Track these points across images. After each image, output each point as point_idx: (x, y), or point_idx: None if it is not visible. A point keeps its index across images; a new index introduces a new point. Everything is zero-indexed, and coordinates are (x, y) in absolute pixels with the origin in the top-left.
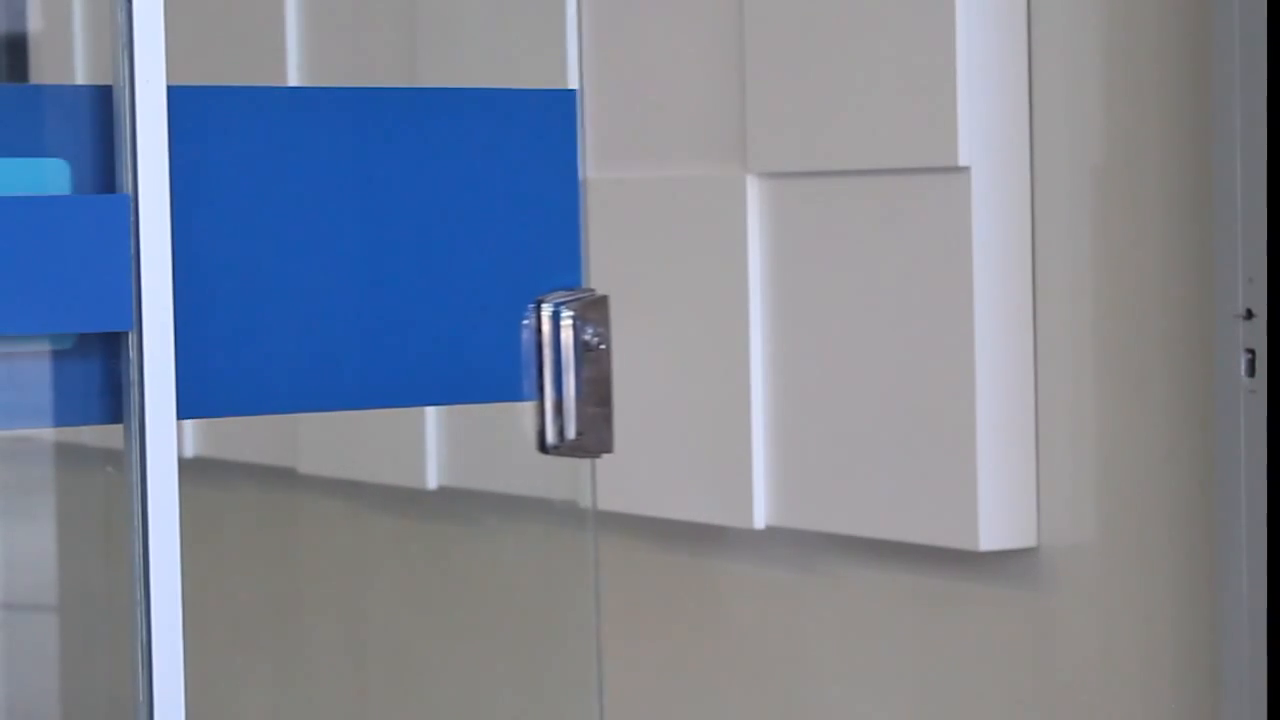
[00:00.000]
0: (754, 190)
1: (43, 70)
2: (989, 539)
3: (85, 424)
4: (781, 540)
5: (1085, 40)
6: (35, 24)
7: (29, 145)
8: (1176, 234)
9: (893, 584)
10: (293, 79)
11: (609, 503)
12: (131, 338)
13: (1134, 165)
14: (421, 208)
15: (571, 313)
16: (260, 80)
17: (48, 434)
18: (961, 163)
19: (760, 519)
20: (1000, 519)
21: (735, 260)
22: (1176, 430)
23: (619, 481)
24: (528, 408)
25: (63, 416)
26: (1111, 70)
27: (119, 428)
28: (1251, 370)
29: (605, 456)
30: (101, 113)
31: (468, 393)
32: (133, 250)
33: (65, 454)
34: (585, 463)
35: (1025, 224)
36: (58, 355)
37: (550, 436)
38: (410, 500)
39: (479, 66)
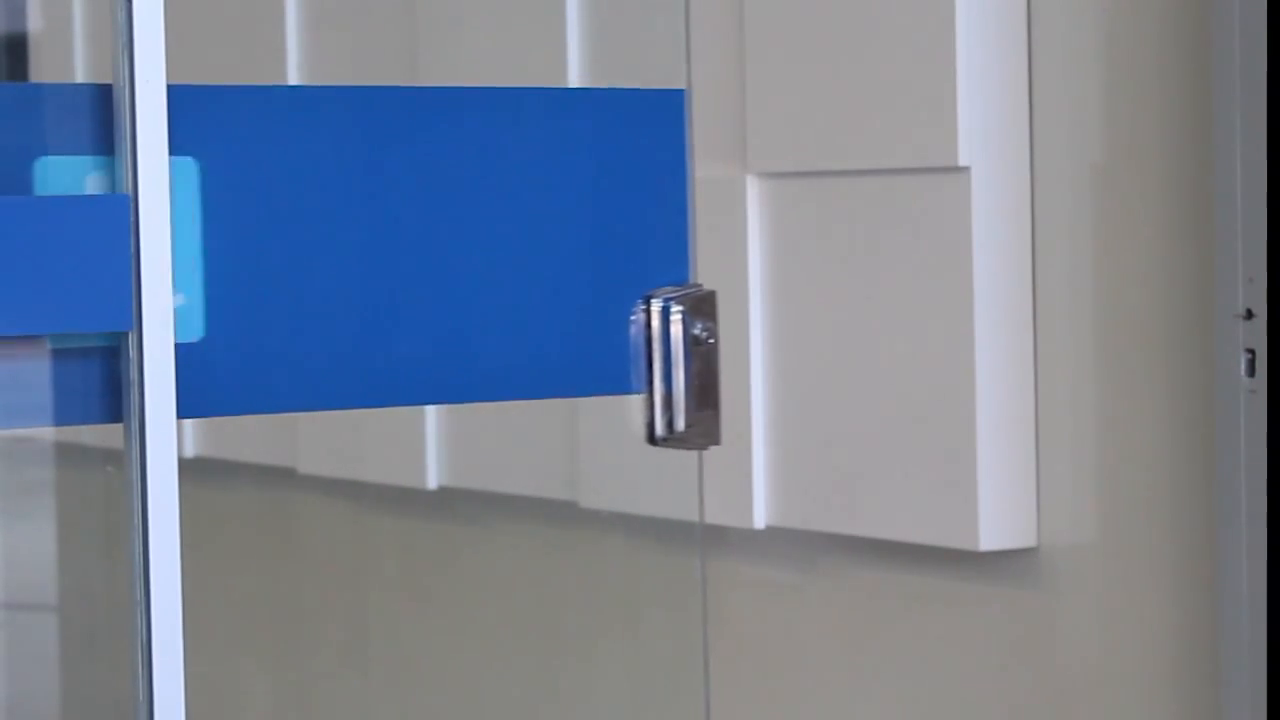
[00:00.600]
0: (754, 190)
1: (42, 70)
2: (989, 539)
3: (85, 423)
4: (781, 540)
5: (1085, 40)
6: (35, 24)
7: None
8: (1176, 234)
9: (893, 584)
10: (293, 78)
11: (609, 503)
12: (131, 338)
13: (1134, 165)
14: (532, 205)
15: (681, 308)
16: (260, 80)
17: (48, 434)
18: (961, 163)
19: (760, 519)
20: (1000, 519)
21: (735, 260)
22: (1176, 430)
23: (618, 481)
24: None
25: (63, 416)
26: (1111, 70)
27: (119, 428)
28: (1251, 370)
29: (605, 457)
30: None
31: (578, 386)
32: (133, 250)
33: (65, 454)
34: (583, 463)
35: (1025, 224)
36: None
37: (659, 429)
38: (410, 500)
39: (479, 66)
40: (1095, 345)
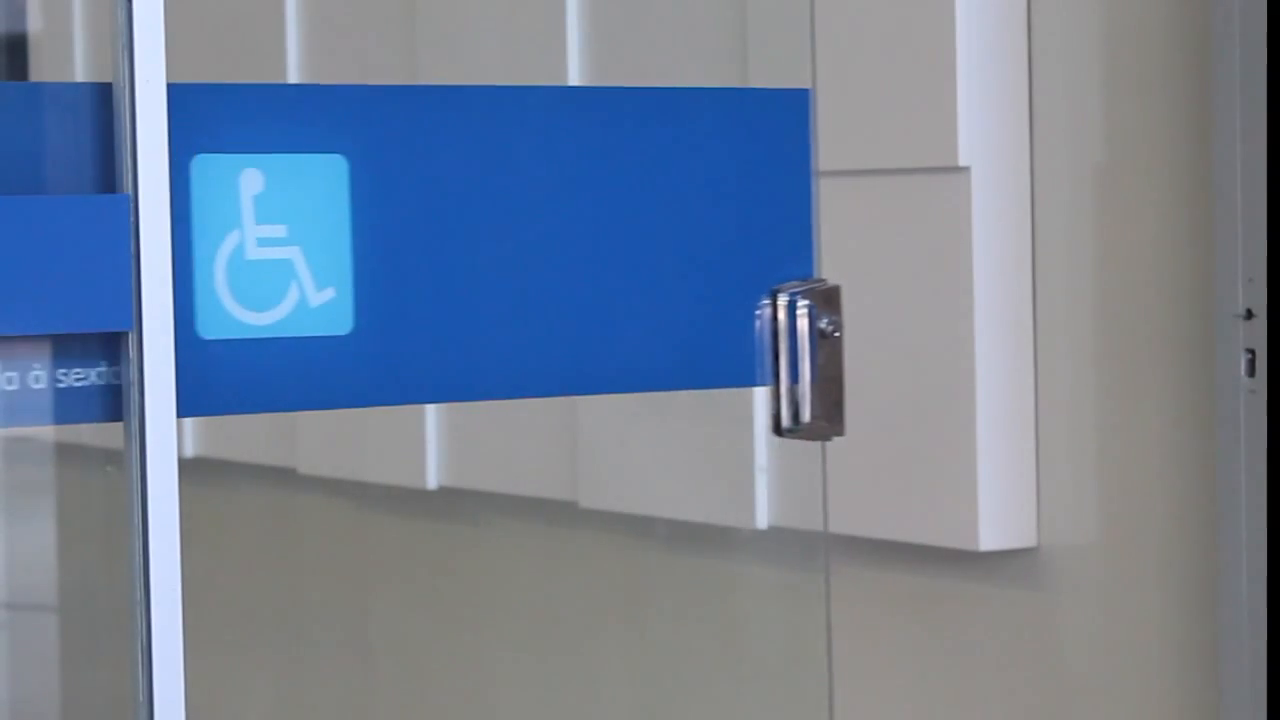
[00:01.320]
0: None
1: (42, 70)
2: (989, 539)
3: (85, 422)
4: (783, 540)
5: (1085, 40)
6: (35, 24)
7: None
8: (1176, 234)
9: (893, 584)
10: (293, 78)
11: (610, 503)
12: (131, 338)
13: (1134, 165)
14: (663, 202)
15: (807, 302)
16: (259, 78)
17: (48, 434)
18: (961, 163)
19: (762, 519)
20: (1000, 519)
21: None
22: (1176, 430)
23: (619, 481)
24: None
25: (63, 415)
26: (1111, 70)
27: (119, 428)
28: (1251, 370)
29: (606, 457)
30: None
31: (706, 378)
32: (133, 250)
33: (65, 454)
34: (583, 463)
35: (1025, 224)
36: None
37: (785, 420)
38: (410, 500)
39: (480, 65)
40: (1095, 345)
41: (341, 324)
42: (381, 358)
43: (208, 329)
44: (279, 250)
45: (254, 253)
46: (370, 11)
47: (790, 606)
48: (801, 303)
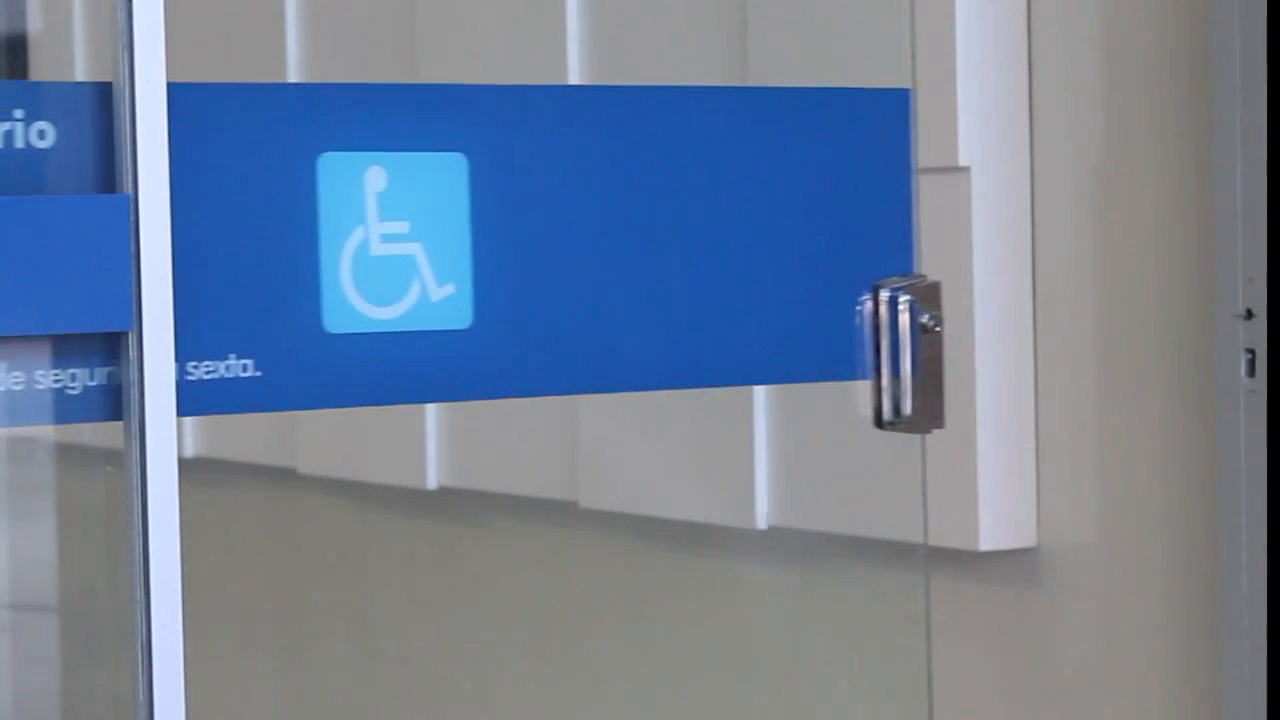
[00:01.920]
0: None
1: (42, 70)
2: (989, 539)
3: (85, 421)
4: (783, 540)
5: (1085, 40)
6: (35, 24)
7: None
8: (1176, 234)
9: (894, 584)
10: (293, 78)
11: (610, 503)
12: (131, 338)
13: (1134, 165)
14: (767, 199)
15: (909, 297)
16: (258, 78)
17: (48, 434)
18: (961, 163)
19: (762, 519)
20: (1000, 519)
21: None
22: (1176, 430)
23: (619, 481)
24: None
25: (63, 415)
26: (1111, 70)
27: (119, 427)
28: (1251, 370)
29: (606, 457)
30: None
31: (809, 372)
32: (133, 250)
33: (65, 454)
34: (583, 463)
35: (1025, 224)
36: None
37: (886, 413)
38: (410, 500)
39: (480, 64)
40: (1095, 345)
41: (461, 319)
42: (499, 352)
43: (333, 323)
44: (401, 246)
45: (378, 249)
46: (370, 11)
47: (790, 607)
48: (903, 298)
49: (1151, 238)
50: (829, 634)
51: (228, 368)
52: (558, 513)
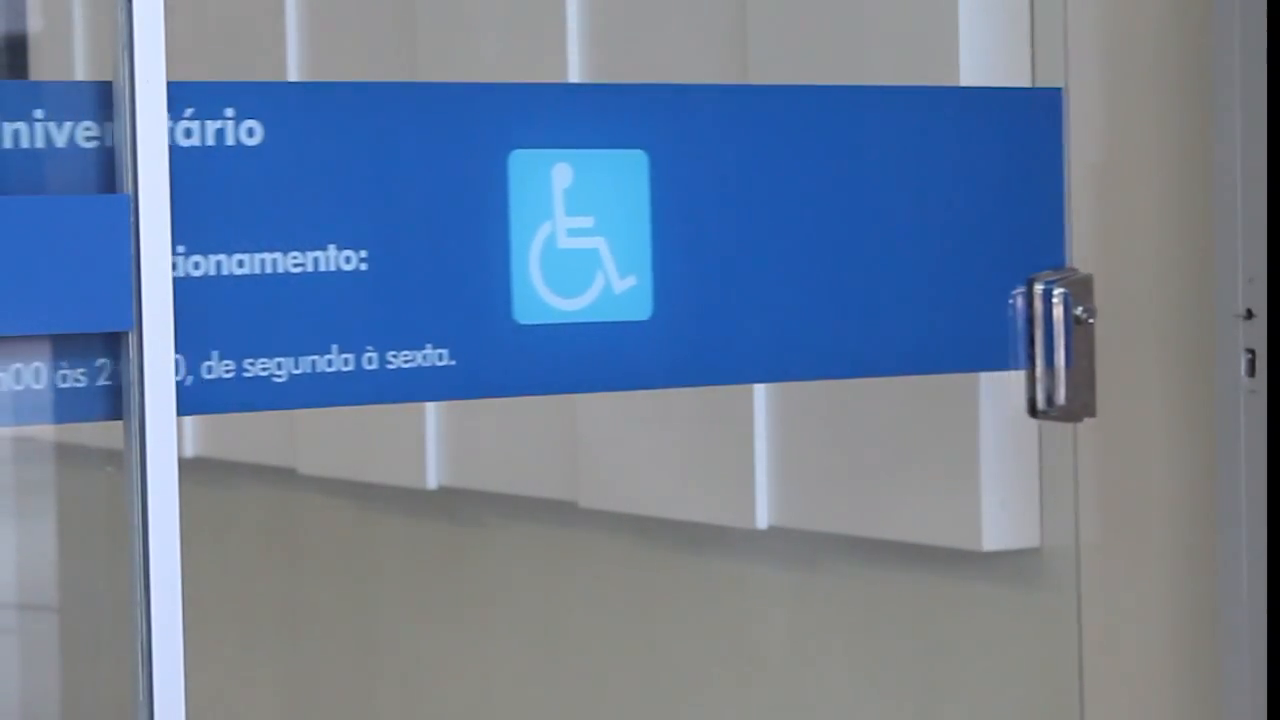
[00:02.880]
0: None
1: (42, 70)
2: (992, 539)
3: (85, 420)
4: (784, 540)
5: (1085, 40)
6: (35, 24)
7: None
8: (1176, 234)
9: (895, 584)
10: (293, 77)
11: (609, 503)
12: (131, 338)
13: (1134, 165)
14: (925, 195)
15: (1063, 290)
16: (259, 77)
17: (48, 434)
18: None
19: (763, 519)
20: (1003, 519)
21: None
22: (1177, 430)
23: (619, 481)
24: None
25: (63, 415)
26: (1111, 70)
27: (119, 427)
28: (1251, 370)
29: (606, 457)
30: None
31: (963, 362)
32: (133, 250)
33: (65, 454)
34: (583, 463)
35: None
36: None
37: (1040, 403)
38: (410, 500)
39: (480, 63)
40: (1095, 345)
41: (641, 310)
42: (677, 342)
43: (523, 314)
44: (587, 240)
45: (564, 242)
46: (370, 11)
47: (790, 607)
48: (1057, 290)
49: (1151, 238)
50: (829, 634)
51: (424, 357)
52: (558, 513)
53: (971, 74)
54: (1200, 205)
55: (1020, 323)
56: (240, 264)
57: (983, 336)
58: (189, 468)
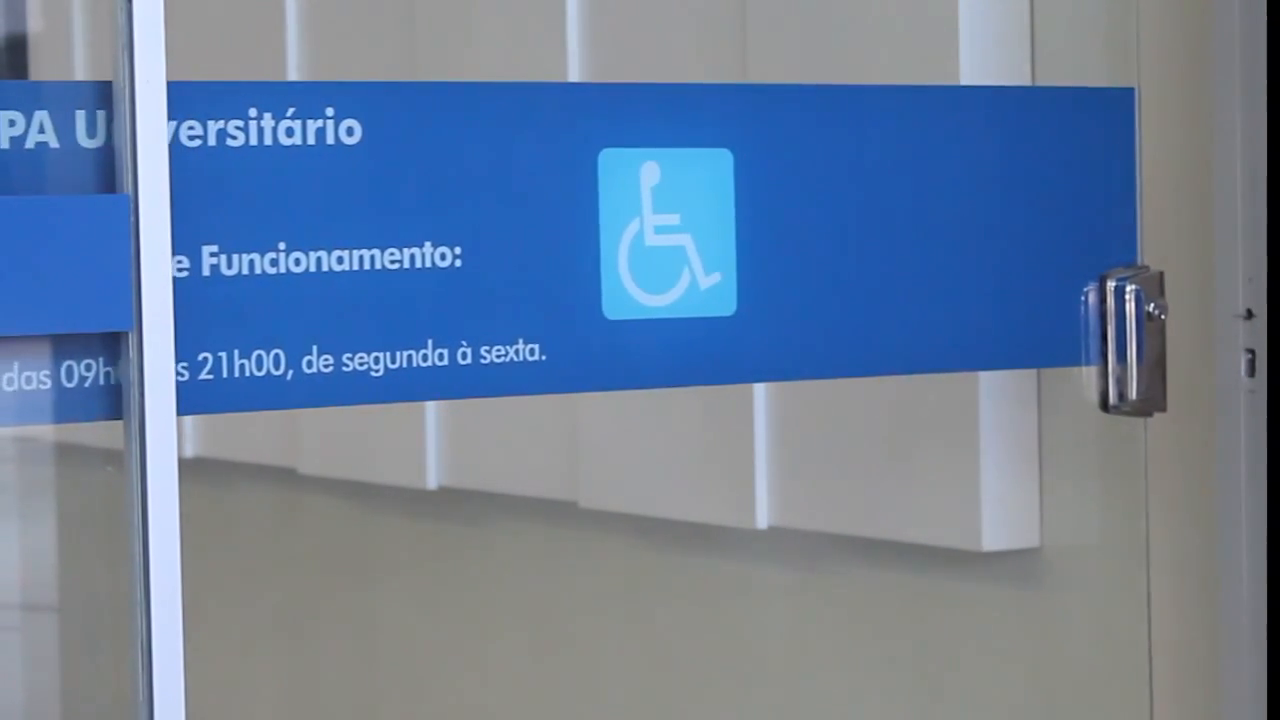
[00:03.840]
0: None
1: (42, 70)
2: (992, 539)
3: (85, 420)
4: (784, 540)
5: (1085, 40)
6: (35, 24)
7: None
8: (1176, 234)
9: (895, 584)
10: (293, 77)
11: (609, 503)
12: (131, 338)
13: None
14: (1001, 194)
15: (1135, 286)
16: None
17: (48, 434)
18: None
19: (763, 519)
20: (1003, 519)
21: None
22: (1177, 430)
23: (619, 481)
24: (538, 406)
25: (63, 414)
26: (1112, 71)
27: (119, 427)
28: (1251, 370)
29: (606, 457)
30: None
31: (1037, 358)
32: (133, 250)
33: (65, 454)
34: (583, 463)
35: None
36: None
37: (1112, 398)
38: (411, 500)
39: (480, 63)
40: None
41: (726, 305)
42: (760, 338)
43: (612, 310)
44: (673, 238)
45: (652, 239)
46: (370, 11)
47: (790, 607)
48: (1129, 287)
49: (1151, 237)
50: (829, 634)
51: (516, 352)
52: (558, 513)
53: (972, 74)
54: (1200, 205)
55: (1093, 319)
56: (339, 260)
57: (1056, 332)
58: (189, 468)
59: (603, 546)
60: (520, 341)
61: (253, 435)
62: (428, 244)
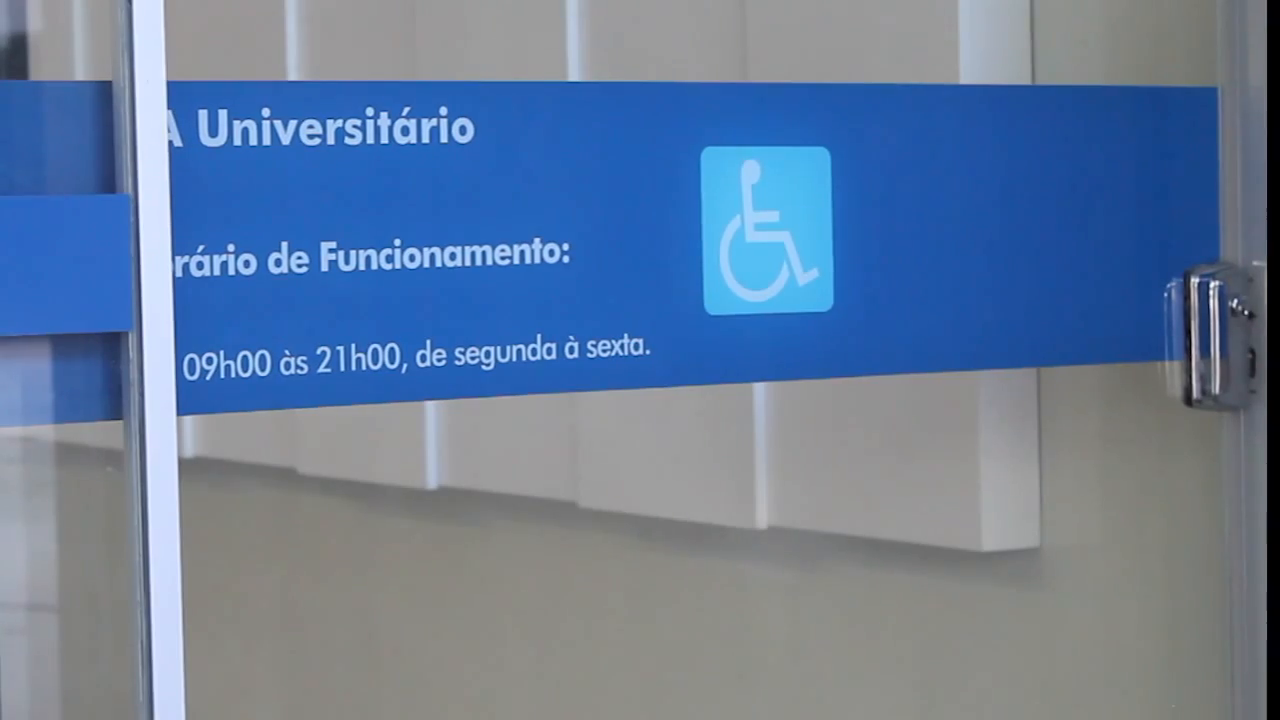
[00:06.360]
0: None
1: (42, 70)
2: (991, 539)
3: (85, 420)
4: (783, 540)
5: (1086, 41)
6: (35, 24)
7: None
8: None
9: (895, 584)
10: (293, 77)
11: (609, 503)
12: (131, 338)
13: None
14: (1087, 191)
15: (1219, 282)
16: (258, 77)
17: (48, 434)
18: None
19: (762, 519)
20: (1003, 519)
21: None
22: (1177, 430)
23: (619, 481)
24: (538, 406)
25: (63, 414)
26: (1112, 71)
27: (119, 427)
28: (1251, 370)
29: (606, 457)
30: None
31: (1123, 353)
32: (132, 250)
33: (65, 454)
34: (583, 463)
35: None
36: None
37: (1195, 393)
38: (410, 500)
39: (480, 62)
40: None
41: (823, 301)
42: (856, 333)
43: (714, 305)
44: (773, 234)
45: (752, 236)
46: (370, 11)
47: (790, 607)
48: (1213, 283)
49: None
50: (829, 634)
51: (621, 346)
52: (558, 513)
53: (972, 74)
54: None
55: (1176, 315)
56: (452, 256)
57: (1143, 328)
58: (189, 468)
59: (602, 546)
60: (625, 336)
61: (253, 435)
62: (537, 240)
